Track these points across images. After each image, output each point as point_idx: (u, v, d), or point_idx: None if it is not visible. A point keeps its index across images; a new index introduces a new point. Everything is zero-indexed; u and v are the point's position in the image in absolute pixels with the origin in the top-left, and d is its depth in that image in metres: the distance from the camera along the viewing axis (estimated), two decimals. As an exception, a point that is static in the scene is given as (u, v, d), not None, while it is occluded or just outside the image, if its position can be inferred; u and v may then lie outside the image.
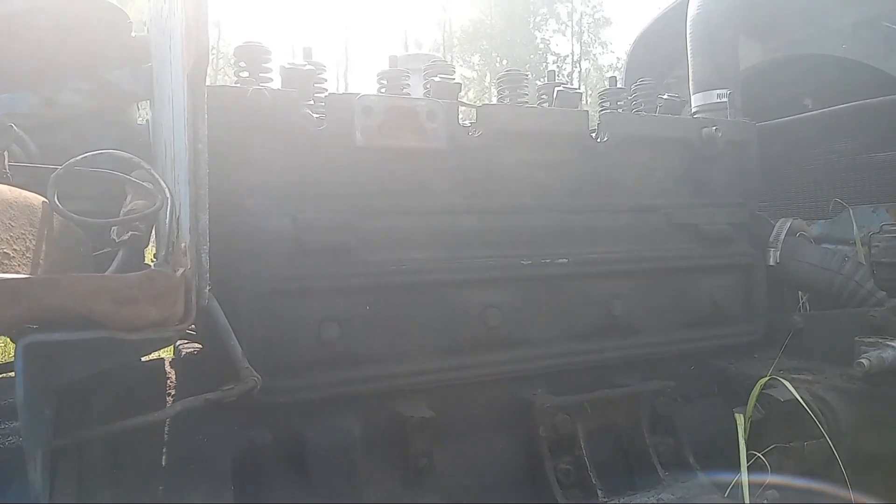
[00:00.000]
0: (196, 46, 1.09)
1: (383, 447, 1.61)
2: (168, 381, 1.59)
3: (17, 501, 1.15)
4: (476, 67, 36.45)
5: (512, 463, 1.73)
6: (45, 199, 1.26)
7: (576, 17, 37.79)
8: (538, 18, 37.29)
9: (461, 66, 35.91)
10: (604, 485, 1.68)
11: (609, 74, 2.33)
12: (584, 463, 1.71)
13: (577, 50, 37.93)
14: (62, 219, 1.29)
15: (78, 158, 1.30)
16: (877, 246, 1.91)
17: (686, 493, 1.69)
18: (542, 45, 37.36)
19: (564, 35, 38.27)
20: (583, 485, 1.69)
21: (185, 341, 1.84)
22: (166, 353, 1.97)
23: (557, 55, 37.69)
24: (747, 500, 1.60)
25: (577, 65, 37.67)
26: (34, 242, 1.19)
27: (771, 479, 1.67)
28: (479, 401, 1.78)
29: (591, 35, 38.25)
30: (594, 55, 38.21)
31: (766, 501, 1.62)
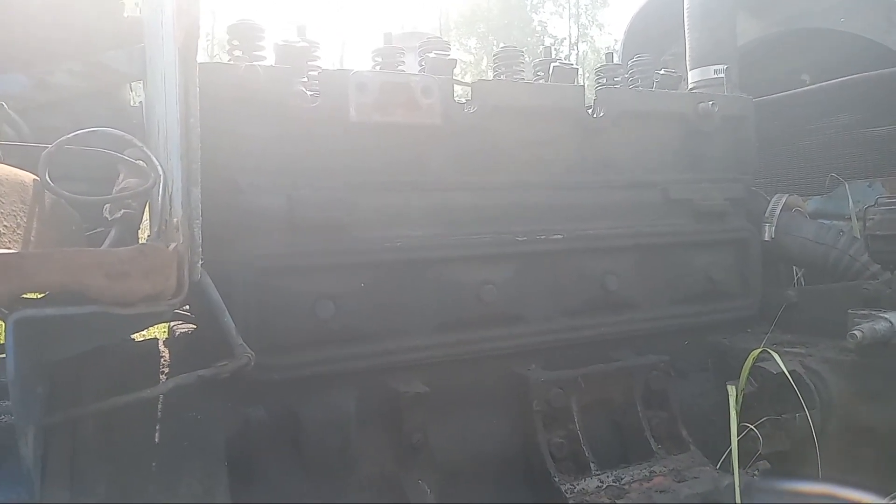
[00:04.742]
0: (186, 18, 1.08)
1: (378, 423, 1.62)
2: (162, 360, 1.59)
3: (10, 482, 1.15)
4: (473, 51, 36.21)
5: (506, 437, 1.74)
6: (37, 178, 1.25)
7: (573, -2, 37.52)
8: (535, 1, 36.99)
9: (458, 49, 35.65)
10: (597, 458, 1.70)
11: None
12: (578, 437, 1.72)
13: (574, 32, 37.67)
14: (54, 197, 1.29)
15: (69, 136, 1.29)
16: (871, 219, 1.90)
17: (678, 465, 1.70)
18: (539, 28, 37.09)
19: (562, 17, 38.00)
20: (576, 458, 1.70)
21: (181, 322, 1.84)
22: (161, 334, 1.98)
23: (555, 38, 37.43)
24: (737, 472, 1.62)
25: (575, 47, 37.41)
26: (25, 220, 1.19)
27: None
28: (473, 376, 1.79)
29: (589, 17, 37.99)
30: (591, 37, 37.96)
31: (756, 473, 1.63)
